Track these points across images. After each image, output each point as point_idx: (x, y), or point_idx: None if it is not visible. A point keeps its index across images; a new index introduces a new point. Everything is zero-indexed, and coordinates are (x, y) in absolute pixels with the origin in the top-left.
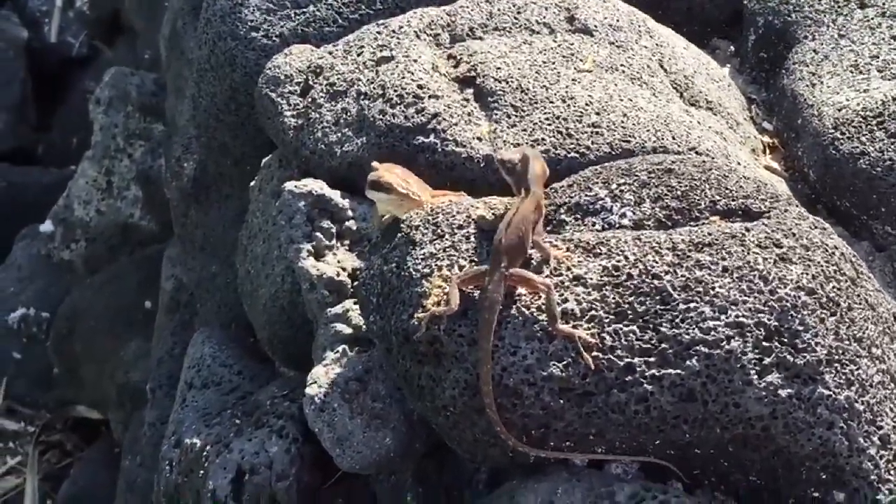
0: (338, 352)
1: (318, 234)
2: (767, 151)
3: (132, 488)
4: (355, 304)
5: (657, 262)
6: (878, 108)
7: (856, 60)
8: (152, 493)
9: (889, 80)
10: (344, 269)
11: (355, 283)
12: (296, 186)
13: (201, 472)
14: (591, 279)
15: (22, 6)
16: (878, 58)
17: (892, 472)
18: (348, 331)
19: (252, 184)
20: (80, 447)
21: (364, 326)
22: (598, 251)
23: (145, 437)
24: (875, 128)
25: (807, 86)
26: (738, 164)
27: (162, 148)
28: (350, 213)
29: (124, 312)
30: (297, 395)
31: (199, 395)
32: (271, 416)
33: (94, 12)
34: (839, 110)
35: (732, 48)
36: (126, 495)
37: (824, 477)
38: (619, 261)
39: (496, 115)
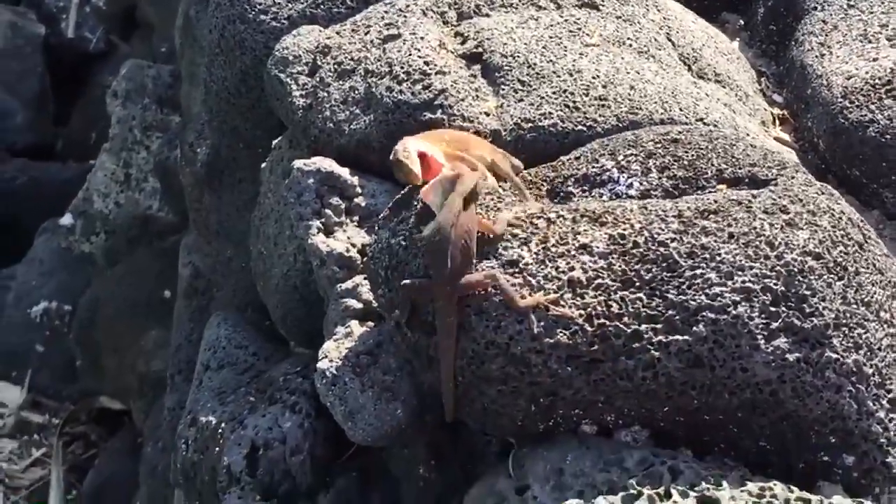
0: (348, 327)
1: (327, 210)
2: (777, 123)
3: (154, 474)
4: (365, 279)
5: (663, 230)
6: (886, 76)
7: (865, 30)
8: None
9: None
10: (354, 245)
11: (365, 259)
12: (304, 164)
13: (216, 448)
14: (598, 248)
15: (39, 3)
16: (888, 26)
17: None
18: (359, 306)
19: (263, 165)
20: (104, 438)
21: (374, 301)
22: (604, 220)
23: (165, 421)
24: (884, 95)
25: (816, 56)
26: (747, 134)
27: (177, 136)
28: (359, 189)
29: (144, 302)
30: (309, 371)
31: (214, 376)
32: (284, 392)
33: (111, 7)
34: (848, 79)
35: (742, 22)
36: (148, 481)
37: (833, 441)
38: (625, 229)
39: (503, 90)
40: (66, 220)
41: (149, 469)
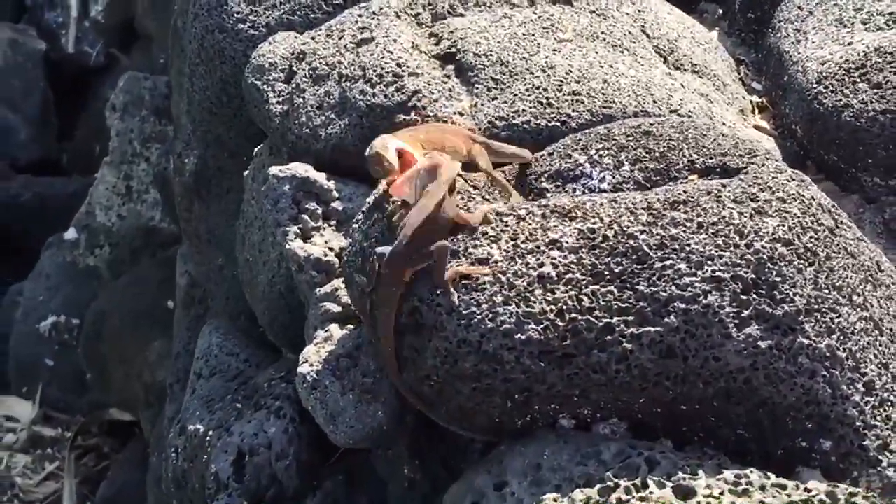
0: (328, 330)
1: (304, 216)
2: (757, 111)
3: (160, 483)
4: (344, 283)
5: (632, 223)
6: (860, 59)
7: (840, 15)
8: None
9: (873, 31)
10: (332, 250)
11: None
12: (280, 171)
13: (205, 456)
14: (568, 242)
15: (39, 19)
16: (862, 10)
17: (878, 417)
18: (338, 309)
19: (246, 173)
20: (116, 449)
21: (351, 304)
22: (574, 215)
23: (166, 431)
24: (858, 79)
25: (792, 43)
26: (723, 123)
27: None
28: (336, 194)
29: (148, 313)
30: (293, 376)
31: (205, 384)
32: (269, 398)
33: (110, 21)
34: (822, 64)
35: (720, 11)
36: (155, 490)
37: (810, 426)
38: (594, 223)
39: (477, 89)
40: (71, 234)
41: (155, 479)
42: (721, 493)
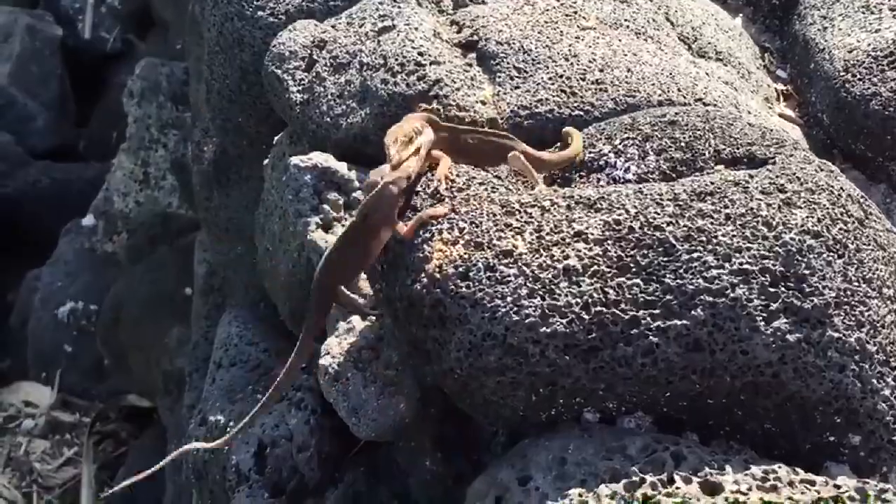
0: (350, 322)
1: (325, 206)
2: (782, 99)
3: (179, 472)
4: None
5: (659, 214)
6: (888, 47)
7: (867, 1)
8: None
9: None
10: None
11: None
12: (301, 160)
13: (226, 447)
14: (593, 234)
15: (55, 4)
16: None
17: None
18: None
19: (265, 162)
20: (134, 435)
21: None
22: (599, 206)
23: (185, 420)
24: (886, 67)
25: (818, 30)
26: (748, 112)
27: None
28: (357, 183)
29: (166, 300)
30: (314, 366)
31: (225, 374)
32: (290, 389)
33: (126, 6)
34: (850, 52)
35: None
36: (174, 478)
37: (838, 420)
38: (620, 214)
39: (499, 77)
40: (88, 220)
41: (173, 466)
42: (749, 489)
